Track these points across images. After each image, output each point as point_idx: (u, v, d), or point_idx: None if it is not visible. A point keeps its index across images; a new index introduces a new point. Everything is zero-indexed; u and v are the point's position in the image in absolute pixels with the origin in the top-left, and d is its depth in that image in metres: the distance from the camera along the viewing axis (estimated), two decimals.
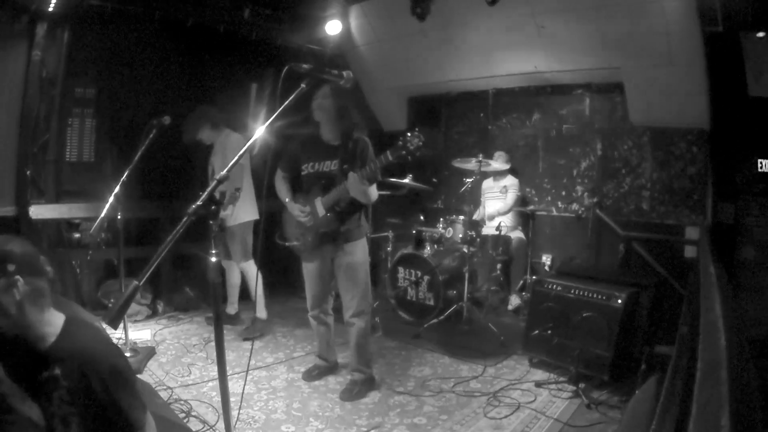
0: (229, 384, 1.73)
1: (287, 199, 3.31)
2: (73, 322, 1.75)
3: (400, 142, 2.84)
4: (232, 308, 4.70)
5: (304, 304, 3.56)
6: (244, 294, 4.64)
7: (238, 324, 4.63)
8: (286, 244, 3.39)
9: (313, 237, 3.23)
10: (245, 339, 4.25)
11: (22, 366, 1.66)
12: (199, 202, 1.57)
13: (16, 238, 1.70)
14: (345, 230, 3.24)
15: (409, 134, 2.83)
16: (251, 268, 4.44)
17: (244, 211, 4.30)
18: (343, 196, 3.11)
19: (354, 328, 3.32)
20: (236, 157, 1.71)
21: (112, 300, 4.62)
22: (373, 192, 3.18)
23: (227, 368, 1.73)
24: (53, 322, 1.71)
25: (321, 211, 3.18)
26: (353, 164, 3.09)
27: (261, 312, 4.43)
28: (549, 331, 3.60)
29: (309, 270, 3.40)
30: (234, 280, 4.62)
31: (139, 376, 3.43)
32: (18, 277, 1.61)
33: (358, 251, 3.30)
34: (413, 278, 4.88)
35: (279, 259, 4.77)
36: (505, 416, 3.10)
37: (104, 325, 3.81)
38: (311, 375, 3.57)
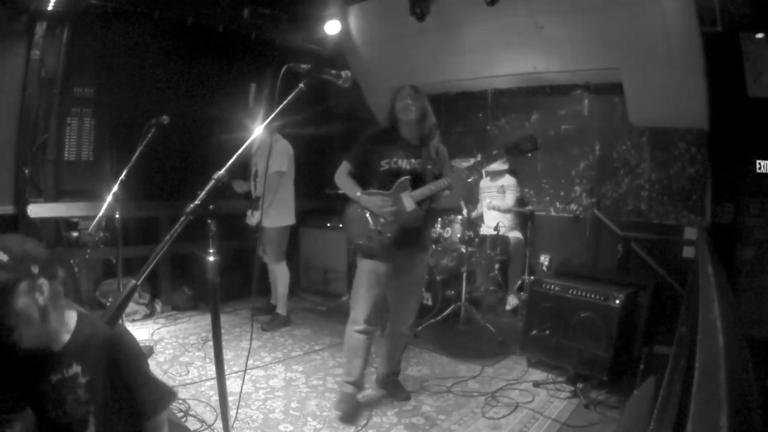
0: (227, 383, 1.73)
1: (359, 193, 3.05)
2: (85, 317, 1.71)
3: (512, 145, 2.99)
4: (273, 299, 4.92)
5: (303, 304, 3.56)
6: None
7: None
8: (352, 243, 3.18)
9: (393, 233, 2.98)
10: (264, 330, 4.56)
11: (24, 374, 1.61)
12: (197, 201, 1.56)
13: (27, 237, 1.66)
14: (427, 235, 3.17)
15: (522, 137, 2.95)
16: (282, 269, 4.69)
17: (282, 216, 4.57)
18: (437, 193, 3.00)
19: (406, 339, 3.36)
20: (232, 158, 1.70)
21: (110, 299, 4.62)
22: None
23: (225, 368, 1.73)
24: (68, 321, 1.66)
25: (410, 204, 2.98)
26: (436, 167, 3.09)
27: (282, 309, 4.73)
28: (547, 331, 3.60)
29: (377, 272, 3.02)
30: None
31: None
32: (43, 280, 1.55)
33: (426, 263, 3.31)
34: None
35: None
36: (504, 416, 3.10)
37: None
38: (353, 413, 3.06)
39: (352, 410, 3.05)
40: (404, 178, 2.99)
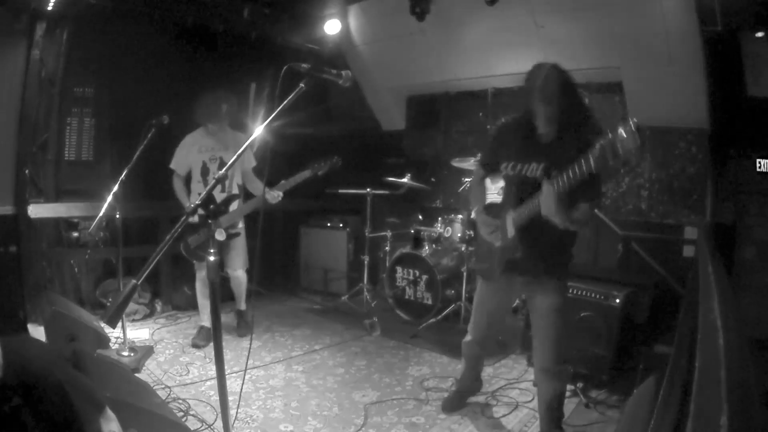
0: (228, 383, 1.73)
1: (476, 208, 2.66)
2: (8, 346, 1.67)
3: (604, 143, 1.92)
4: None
5: (303, 304, 3.55)
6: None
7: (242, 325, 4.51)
8: (473, 267, 2.87)
9: (497, 263, 2.55)
10: (240, 336, 4.34)
11: None
12: (197, 202, 1.57)
13: None
14: (550, 262, 2.50)
15: (623, 129, 1.87)
16: (245, 275, 4.32)
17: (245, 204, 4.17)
18: (535, 214, 2.28)
19: (552, 383, 2.62)
20: (234, 157, 1.70)
21: (110, 299, 4.62)
22: (584, 213, 2.27)
23: (225, 367, 1.73)
24: None
25: (510, 230, 2.42)
26: (563, 169, 2.13)
27: (243, 306, 4.48)
28: None
29: (485, 294, 2.81)
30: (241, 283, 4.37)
31: (137, 375, 3.43)
32: None
33: (559, 290, 2.55)
34: (411, 278, 4.88)
35: (278, 259, 4.79)
36: (504, 415, 3.10)
37: (103, 324, 3.82)
38: (453, 405, 3.16)
39: (453, 406, 3.15)
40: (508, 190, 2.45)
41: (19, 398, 1.60)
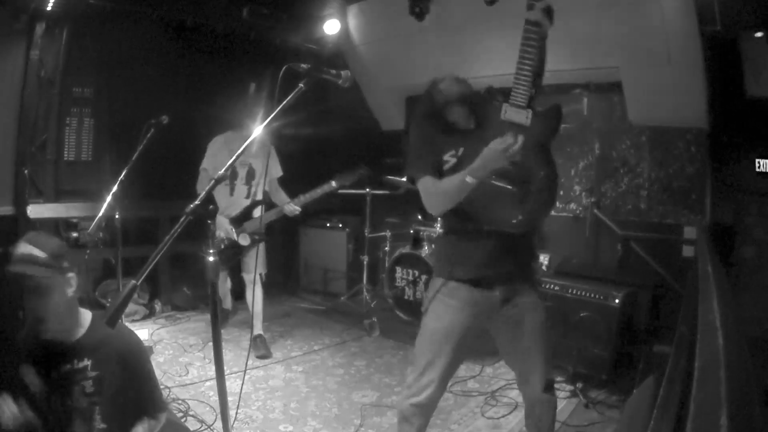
0: (227, 383, 1.72)
1: (466, 170, 2.05)
2: (100, 316, 1.79)
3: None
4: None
5: (303, 304, 3.52)
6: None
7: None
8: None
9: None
10: (260, 357, 3.94)
11: (37, 363, 1.67)
12: (197, 201, 1.56)
13: (43, 232, 1.74)
14: (531, 262, 2.22)
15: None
16: (260, 285, 4.10)
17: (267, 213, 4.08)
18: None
19: (552, 403, 2.24)
20: (234, 157, 1.70)
21: (109, 299, 4.62)
22: None
23: (225, 368, 1.73)
24: (82, 316, 1.74)
25: (525, 117, 2.16)
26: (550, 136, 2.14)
27: (260, 329, 4.15)
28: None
29: (458, 316, 2.16)
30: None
31: None
32: (72, 273, 1.63)
33: (541, 300, 2.26)
34: (411, 278, 4.88)
35: (277, 259, 4.77)
36: (503, 416, 3.10)
37: None
38: None
39: None
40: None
41: (90, 359, 1.66)
